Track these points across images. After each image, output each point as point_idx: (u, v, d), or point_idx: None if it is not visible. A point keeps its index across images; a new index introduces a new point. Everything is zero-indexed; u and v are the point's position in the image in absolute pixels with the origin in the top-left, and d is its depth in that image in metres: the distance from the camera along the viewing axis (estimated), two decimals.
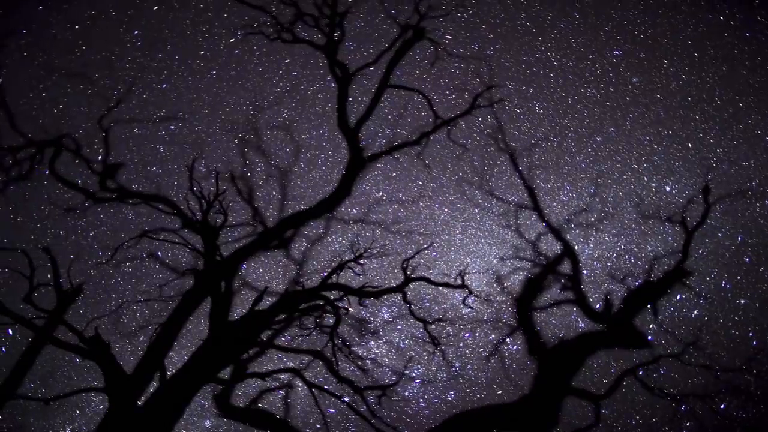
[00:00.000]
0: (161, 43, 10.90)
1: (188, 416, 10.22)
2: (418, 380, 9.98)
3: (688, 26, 10.97)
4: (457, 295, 8.89)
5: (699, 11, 10.88)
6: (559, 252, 7.94)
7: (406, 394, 10.49)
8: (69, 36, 10.42)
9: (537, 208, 7.97)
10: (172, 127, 10.68)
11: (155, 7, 10.80)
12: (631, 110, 11.21)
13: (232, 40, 10.56)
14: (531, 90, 11.30)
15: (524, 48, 11.23)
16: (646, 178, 10.80)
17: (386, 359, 9.34)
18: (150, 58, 10.85)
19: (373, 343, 9.76)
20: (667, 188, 10.47)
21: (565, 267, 7.80)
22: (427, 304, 9.35)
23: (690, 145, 10.80)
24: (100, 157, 8.54)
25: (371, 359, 9.10)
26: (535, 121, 11.04)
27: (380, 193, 10.74)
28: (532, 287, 7.16)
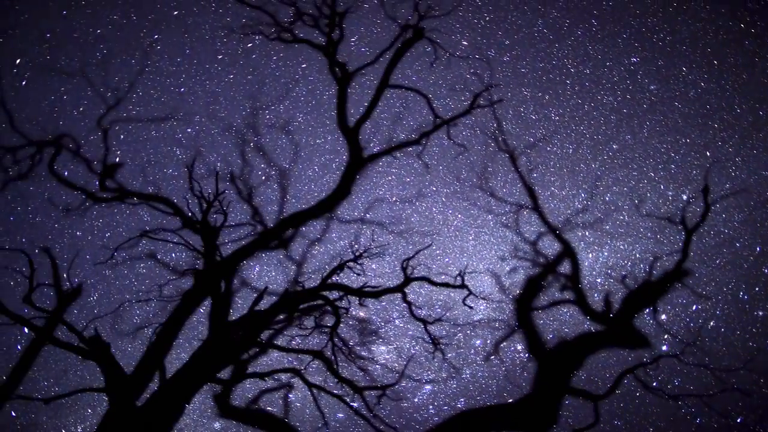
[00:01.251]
0: (182, 46, 10.95)
1: (198, 418, 10.24)
2: (428, 387, 9.95)
3: (707, 33, 10.79)
4: (472, 304, 8.89)
5: (719, 18, 10.70)
6: (560, 251, 7.94)
7: (416, 400, 10.47)
8: (91, 40, 10.47)
9: (538, 209, 7.96)
10: (175, 127, 10.72)
11: (175, 12, 10.84)
12: (648, 118, 11.05)
13: (250, 45, 10.59)
14: (547, 97, 11.21)
15: (541, 54, 11.14)
16: (662, 187, 10.66)
17: (396, 365, 9.31)
18: (170, 62, 10.90)
19: (384, 348, 9.74)
20: (684, 197, 10.32)
21: (566, 267, 7.80)
22: (439, 310, 9.31)
23: (708, 153, 10.60)
24: (117, 157, 8.58)
25: (381, 364, 9.08)
26: (551, 127, 10.94)
27: (380, 193, 10.72)
28: (532, 287, 7.15)
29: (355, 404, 8.36)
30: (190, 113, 10.78)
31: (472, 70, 8.99)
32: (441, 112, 8.99)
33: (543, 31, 11.15)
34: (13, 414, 8.10)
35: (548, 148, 10.28)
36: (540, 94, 11.17)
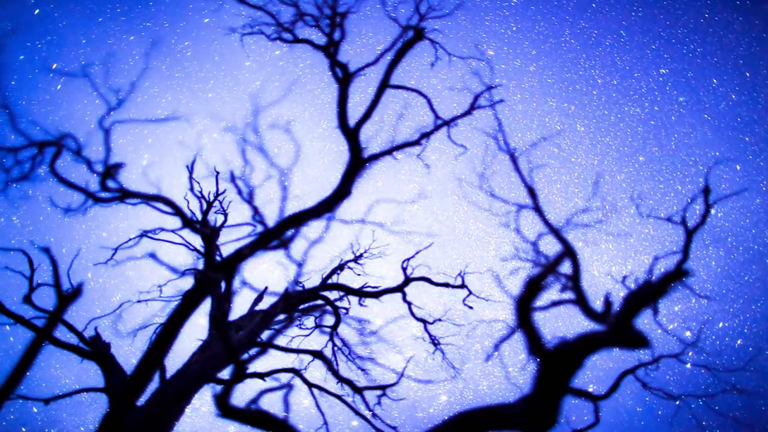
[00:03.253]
0: (210, 52, 10.96)
1: (213, 420, 10.23)
2: (443, 398, 9.92)
3: (739, 45, 10.47)
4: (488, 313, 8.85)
5: (751, 30, 10.38)
6: (561, 252, 7.88)
7: (431, 410, 10.45)
8: (124, 47, 10.55)
9: (538, 209, 7.91)
10: (202, 132, 10.76)
11: (206, 20, 10.90)
12: (676, 130, 10.72)
13: (277, 52, 10.57)
14: (573, 107, 11.01)
15: (567, 65, 10.92)
16: (689, 200, 10.40)
17: (412, 373, 9.29)
18: (198, 68, 10.92)
19: (399, 355, 9.74)
20: (712, 211, 10.02)
21: (566, 267, 7.72)
22: (458, 320, 9.27)
23: (738, 167, 10.31)
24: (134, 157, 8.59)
25: (382, 366, 9.08)
26: (576, 138, 10.73)
27: (380, 194, 10.72)
28: (533, 287, 7.13)
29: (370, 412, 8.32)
30: (218, 118, 10.79)
31: (472, 71, 8.97)
32: (443, 113, 8.99)
33: (570, 41, 10.95)
34: (35, 410, 8.15)
35: (573, 159, 10.15)
36: (566, 104, 11.00)
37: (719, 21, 10.55)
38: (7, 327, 7.90)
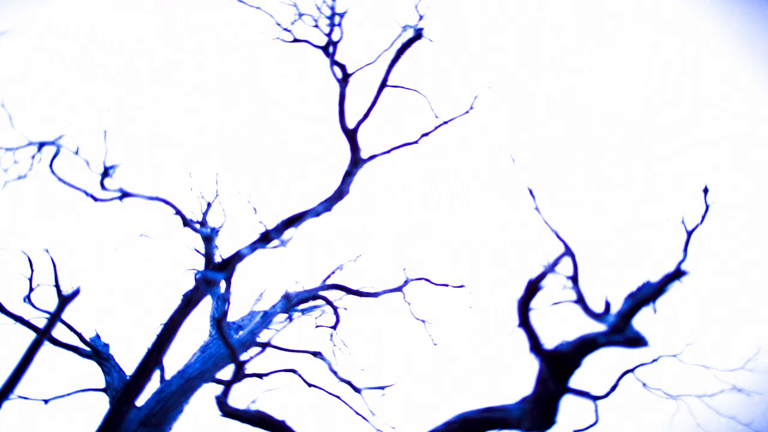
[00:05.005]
0: (217, 53, 10.95)
1: (224, 420, 10.23)
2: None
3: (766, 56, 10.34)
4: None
5: None
6: (559, 252, 7.88)
7: (431, 411, 10.45)
8: (144, 51, 10.56)
9: (538, 209, 7.91)
10: (173, 127, 10.77)
11: (230, 26, 10.93)
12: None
13: (277, 52, 10.52)
14: (588, 114, 10.95)
15: (588, 75, 10.85)
16: (689, 200, 10.31)
17: (413, 373, 9.31)
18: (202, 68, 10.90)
19: (399, 355, 9.76)
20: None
21: (566, 267, 7.72)
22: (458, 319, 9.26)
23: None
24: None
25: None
26: (591, 143, 10.68)
27: (380, 194, 10.75)
28: (532, 288, 7.13)
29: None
30: (219, 117, 10.80)
31: (472, 70, 8.97)
32: (442, 112, 8.99)
33: (590, 50, 10.89)
34: (45, 408, 8.18)
35: (586, 164, 10.12)
36: (581, 110, 10.96)
37: (744, 31, 10.45)
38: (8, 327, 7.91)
